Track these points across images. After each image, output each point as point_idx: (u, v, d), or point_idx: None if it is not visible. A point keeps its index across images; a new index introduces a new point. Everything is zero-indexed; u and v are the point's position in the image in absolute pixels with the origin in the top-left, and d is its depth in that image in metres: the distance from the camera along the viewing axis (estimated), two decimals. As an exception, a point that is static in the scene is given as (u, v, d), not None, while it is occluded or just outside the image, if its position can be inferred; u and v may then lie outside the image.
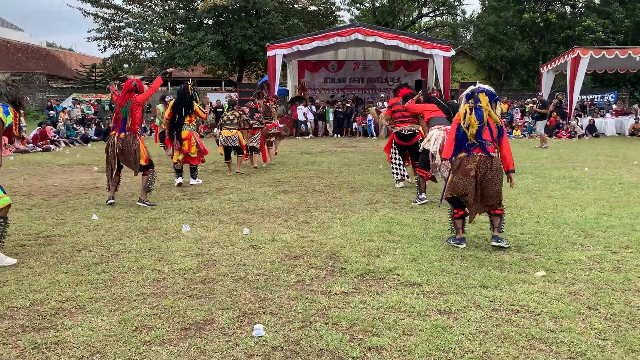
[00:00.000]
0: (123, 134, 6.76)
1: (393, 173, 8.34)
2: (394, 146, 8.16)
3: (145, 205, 6.83)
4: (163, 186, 8.50)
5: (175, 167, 8.57)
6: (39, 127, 16.06)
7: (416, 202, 6.99)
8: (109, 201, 6.97)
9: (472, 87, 5.19)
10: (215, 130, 10.58)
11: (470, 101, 5.07)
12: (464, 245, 4.90)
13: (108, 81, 37.55)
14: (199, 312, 3.38)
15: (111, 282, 3.97)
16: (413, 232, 5.46)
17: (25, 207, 6.80)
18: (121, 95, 6.89)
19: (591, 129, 20.59)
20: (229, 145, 9.70)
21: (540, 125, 16.23)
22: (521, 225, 5.76)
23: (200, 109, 8.44)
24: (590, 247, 4.91)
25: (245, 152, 9.99)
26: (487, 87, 5.16)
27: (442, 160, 5.56)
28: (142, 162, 6.77)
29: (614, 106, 23.94)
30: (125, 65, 40.18)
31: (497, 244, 4.85)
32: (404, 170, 8.25)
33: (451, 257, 4.60)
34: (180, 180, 8.48)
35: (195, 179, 8.72)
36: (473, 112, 4.97)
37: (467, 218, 5.04)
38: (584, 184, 8.59)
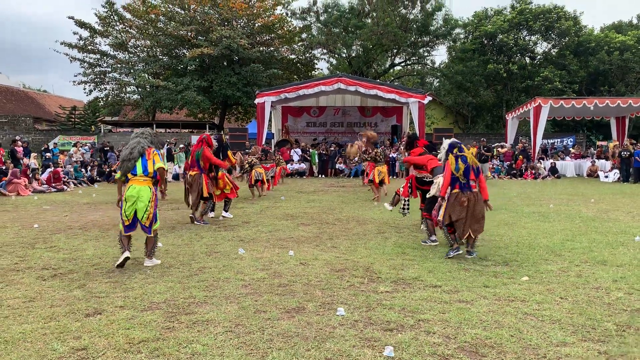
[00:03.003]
0: (194, 172, 9.17)
1: (402, 207, 8.83)
2: (410, 185, 8.60)
3: (200, 223, 9.17)
4: (191, 223, 9.79)
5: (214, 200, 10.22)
6: (50, 170, 17.09)
7: (426, 243, 7.58)
8: (191, 216, 9.33)
9: (448, 142, 7.00)
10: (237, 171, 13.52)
11: (455, 151, 6.78)
12: (461, 251, 6.70)
13: (87, 123, 38.71)
14: (291, 303, 4.76)
15: (212, 287, 5.30)
16: (423, 254, 6.94)
17: (93, 238, 8.04)
18: (196, 144, 9.20)
19: (553, 171, 22.72)
20: (259, 179, 13.44)
21: (485, 167, 18.92)
22: (505, 248, 7.31)
23: (231, 155, 10.09)
24: (559, 262, 6.47)
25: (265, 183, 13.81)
26: (459, 142, 7.03)
27: (439, 198, 7.04)
28: (204, 194, 9.26)
29: (572, 149, 26.28)
30: (100, 104, 41.03)
31: (470, 256, 6.66)
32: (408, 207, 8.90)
33: (457, 269, 6.09)
34: (212, 214, 9.87)
35: (227, 211, 10.22)
36: (459, 160, 6.70)
37: (458, 236, 6.69)
38: (550, 217, 10.27)
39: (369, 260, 6.57)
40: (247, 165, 13.53)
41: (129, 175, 6.23)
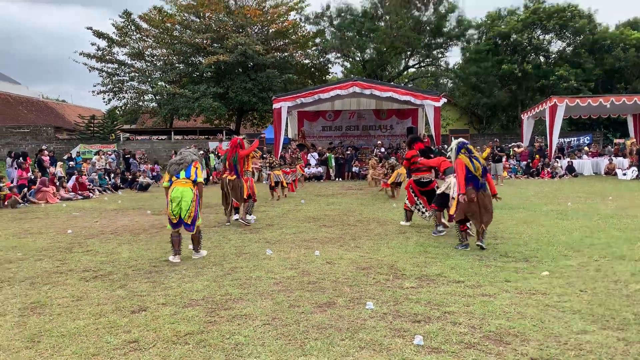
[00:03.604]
0: (234, 176, 9.77)
1: (420, 212, 9.46)
2: (412, 191, 9.47)
3: (243, 222, 9.80)
4: (222, 227, 10.12)
5: (234, 206, 10.32)
6: (74, 177, 17.58)
7: (435, 233, 8.52)
8: (227, 224, 9.96)
9: (457, 142, 7.50)
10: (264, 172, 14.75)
11: (463, 151, 7.34)
12: (468, 248, 7.29)
13: (106, 131, 39.42)
14: (322, 298, 5.03)
15: (245, 285, 5.59)
16: (444, 251, 7.17)
17: (126, 242, 8.39)
18: (230, 149, 9.75)
19: (570, 169, 22.72)
20: (278, 180, 14.62)
21: (500, 167, 19.16)
22: (524, 245, 7.50)
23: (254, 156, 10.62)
24: (578, 258, 6.66)
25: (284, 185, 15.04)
26: (466, 141, 7.61)
27: (459, 195, 7.38)
28: (244, 196, 9.90)
29: (586, 148, 26.18)
30: (119, 113, 41.49)
31: (480, 244, 7.23)
32: (425, 209, 9.38)
33: (479, 266, 6.31)
34: (236, 216, 10.18)
35: (250, 214, 10.44)
36: (474, 161, 7.25)
37: (473, 229, 7.48)
38: (568, 215, 10.41)
39: (393, 258, 6.81)
40: (267, 165, 14.65)
41: (173, 179, 6.90)
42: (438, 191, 8.70)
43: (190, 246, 7.23)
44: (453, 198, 8.21)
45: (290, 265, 6.47)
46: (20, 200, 14.37)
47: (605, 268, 6.07)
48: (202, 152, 23.89)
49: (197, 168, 7.00)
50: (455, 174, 8.19)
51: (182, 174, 6.90)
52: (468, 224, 7.45)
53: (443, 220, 8.64)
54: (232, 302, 4.96)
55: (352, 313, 4.59)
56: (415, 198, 9.53)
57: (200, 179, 7.02)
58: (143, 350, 3.85)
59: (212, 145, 28.21)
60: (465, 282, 5.58)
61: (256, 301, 4.98)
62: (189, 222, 6.86)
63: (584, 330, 4.12)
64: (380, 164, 16.73)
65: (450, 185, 8.29)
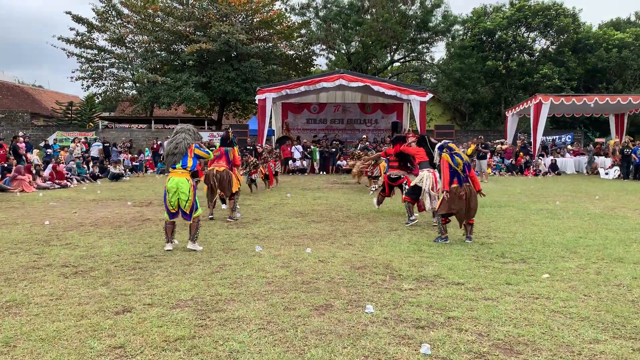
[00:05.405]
0: (223, 168, 9.43)
1: (373, 188, 10.59)
2: (383, 182, 10.43)
3: (232, 220, 9.37)
4: (206, 221, 9.78)
5: (221, 197, 10.48)
6: (50, 165, 17.01)
7: (408, 223, 9.05)
8: (210, 216, 9.55)
9: (438, 145, 7.91)
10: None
11: (445, 150, 7.63)
12: (448, 241, 7.47)
13: (84, 119, 38.51)
14: (318, 300, 4.78)
15: (236, 284, 5.31)
16: (439, 251, 6.97)
17: (107, 235, 8.02)
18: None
19: (553, 168, 22.81)
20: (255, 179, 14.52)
21: (484, 164, 19.10)
22: (519, 245, 7.34)
23: (237, 153, 10.08)
24: (575, 259, 6.51)
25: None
26: (448, 141, 8.00)
27: (443, 192, 7.57)
28: (234, 189, 9.51)
29: (569, 146, 26.36)
30: (97, 100, 40.46)
31: (469, 241, 7.47)
32: (374, 188, 10.56)
33: (477, 267, 6.12)
34: (224, 206, 10.17)
35: (235, 210, 10.11)
36: (456, 157, 7.51)
37: (459, 224, 7.67)
38: (559, 214, 10.32)
39: (387, 257, 6.59)
40: (262, 161, 14.89)
41: (169, 169, 6.87)
42: (412, 184, 9.13)
43: (188, 245, 7.04)
44: (425, 191, 8.86)
45: (281, 264, 6.20)
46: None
47: (605, 271, 5.93)
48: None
49: (194, 155, 6.94)
50: (428, 169, 8.90)
51: (178, 163, 6.83)
52: (450, 218, 7.64)
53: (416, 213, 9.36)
54: (223, 304, 4.68)
55: (352, 317, 4.35)
56: (378, 183, 10.55)
57: (210, 157, 7.41)
58: (130, 357, 3.56)
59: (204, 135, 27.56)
60: (465, 284, 5.38)
61: (249, 302, 4.71)
62: (187, 212, 6.82)
63: (596, 339, 3.94)
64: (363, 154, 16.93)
65: (423, 178, 8.86)
